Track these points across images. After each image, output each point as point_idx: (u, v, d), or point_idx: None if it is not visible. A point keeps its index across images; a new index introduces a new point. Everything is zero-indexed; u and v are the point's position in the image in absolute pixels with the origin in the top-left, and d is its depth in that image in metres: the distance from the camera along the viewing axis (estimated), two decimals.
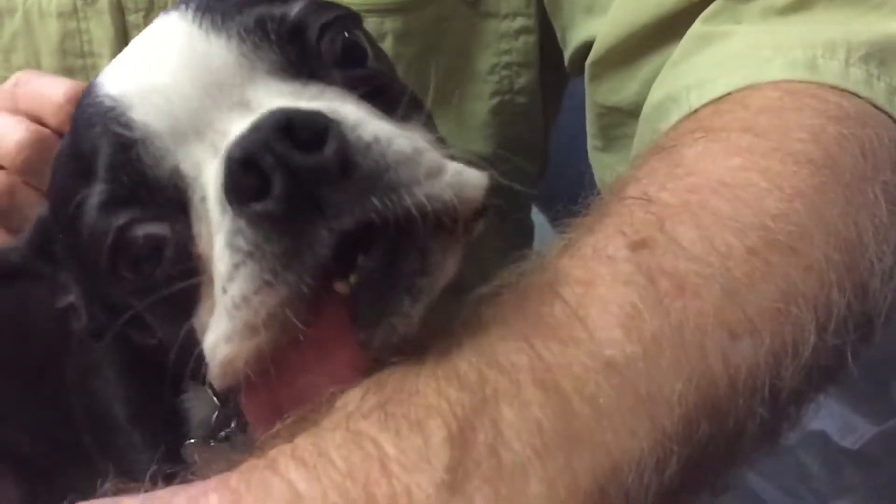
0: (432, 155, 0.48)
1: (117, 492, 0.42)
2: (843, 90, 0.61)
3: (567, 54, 0.89)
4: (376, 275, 0.46)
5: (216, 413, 0.68)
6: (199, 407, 0.71)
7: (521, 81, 0.99)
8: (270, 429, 0.43)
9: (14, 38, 0.97)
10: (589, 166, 0.90)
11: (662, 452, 0.42)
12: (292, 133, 0.43)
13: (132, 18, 0.92)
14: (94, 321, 0.63)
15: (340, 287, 0.46)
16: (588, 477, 0.40)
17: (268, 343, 0.46)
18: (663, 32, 0.76)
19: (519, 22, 0.96)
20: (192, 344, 0.51)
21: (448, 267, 0.48)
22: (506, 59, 0.98)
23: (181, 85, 0.51)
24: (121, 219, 0.50)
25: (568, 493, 0.40)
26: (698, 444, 0.44)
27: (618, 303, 0.46)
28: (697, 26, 0.71)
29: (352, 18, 0.57)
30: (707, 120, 0.61)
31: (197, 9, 0.54)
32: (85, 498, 0.42)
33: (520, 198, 1.11)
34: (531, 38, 0.96)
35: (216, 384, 0.50)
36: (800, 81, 0.61)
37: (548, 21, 0.93)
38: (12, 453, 0.91)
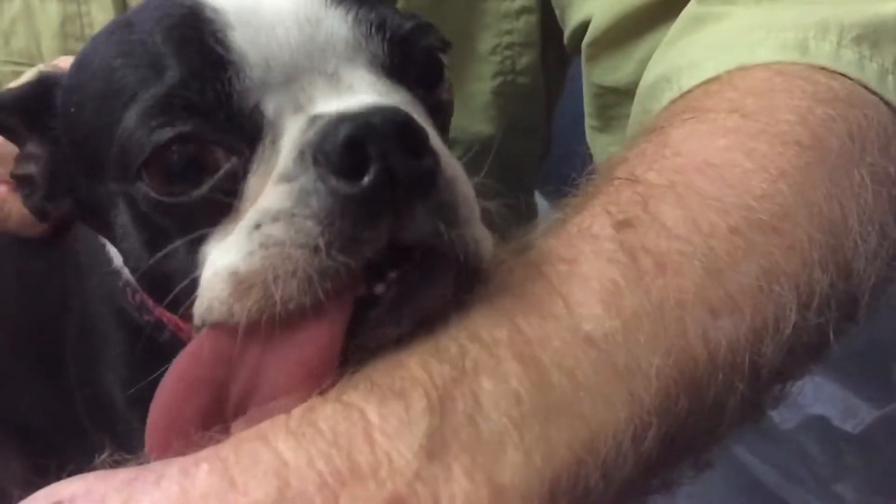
0: (477, 212, 0.50)
1: (113, 464, 0.43)
2: (833, 72, 0.61)
3: (566, 34, 0.90)
4: (394, 293, 0.47)
5: None
6: None
7: (523, 62, 1.00)
8: (165, 448, 0.44)
9: (14, 22, 0.97)
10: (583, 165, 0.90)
11: (640, 424, 0.43)
12: (402, 135, 0.45)
13: (134, 1, 0.93)
14: (49, 201, 0.62)
15: (377, 288, 0.47)
16: (564, 447, 0.41)
17: (263, 302, 0.46)
18: (659, 13, 0.76)
19: (520, 2, 0.96)
20: (180, 272, 0.51)
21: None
22: (507, 39, 0.98)
23: (289, 31, 0.51)
24: (185, 127, 0.49)
25: (544, 461, 0.41)
26: (677, 418, 0.45)
27: (599, 279, 0.47)
28: (692, 7, 0.71)
29: (446, 44, 0.58)
30: (696, 101, 0.61)
31: None
32: (84, 471, 0.43)
33: (523, 181, 1.11)
34: (532, 18, 0.97)
35: (196, 316, 0.49)
36: (791, 63, 0.62)
37: (548, 1, 0.93)
38: (16, 428, 0.93)
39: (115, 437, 0.72)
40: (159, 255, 0.51)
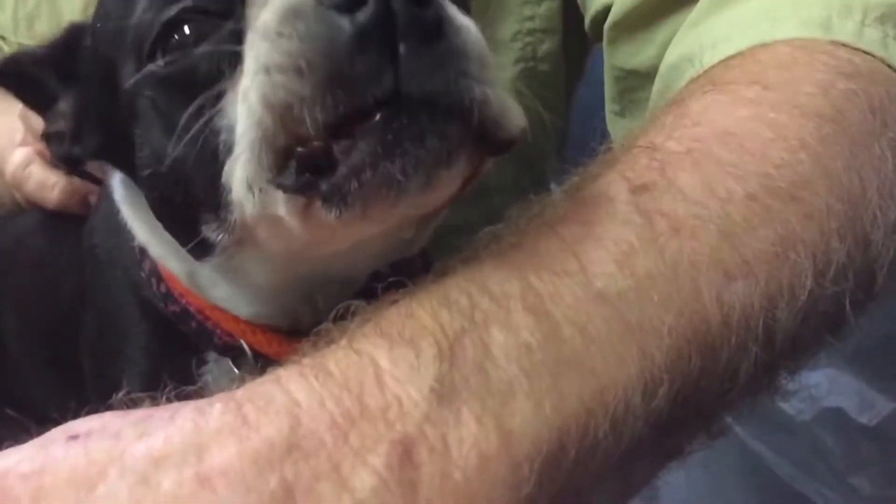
0: (495, 66, 0.48)
1: (130, 403, 0.44)
2: (856, 49, 0.61)
3: (587, 19, 0.90)
4: (402, 135, 0.45)
5: (237, 382, 0.69)
6: (221, 380, 0.72)
7: (545, 48, 1.00)
8: None
9: (38, 5, 0.99)
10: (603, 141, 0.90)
11: (651, 380, 0.43)
12: None
13: None
14: (79, 144, 0.63)
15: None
16: (574, 397, 0.42)
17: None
18: None
19: None
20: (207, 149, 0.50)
21: (454, 182, 0.48)
22: (528, 25, 0.98)
23: None
24: (188, 2, 0.51)
25: (554, 411, 0.41)
26: (689, 377, 0.45)
27: (613, 240, 0.47)
28: None
29: None
30: (717, 74, 0.62)
31: None
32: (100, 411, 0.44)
33: (541, 172, 1.11)
34: (554, 4, 0.97)
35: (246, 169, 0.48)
36: (813, 39, 0.62)
37: None
38: (34, 416, 0.93)
39: None
40: (184, 121, 0.50)
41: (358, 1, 0.43)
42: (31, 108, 0.68)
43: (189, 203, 0.54)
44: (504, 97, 0.48)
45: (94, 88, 0.61)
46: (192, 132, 0.50)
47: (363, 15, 0.43)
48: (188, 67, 0.51)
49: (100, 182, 0.79)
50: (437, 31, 0.45)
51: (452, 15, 0.46)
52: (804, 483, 1.23)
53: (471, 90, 0.45)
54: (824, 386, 1.19)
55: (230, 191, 0.50)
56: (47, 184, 0.85)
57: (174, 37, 0.51)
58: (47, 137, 0.65)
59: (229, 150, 0.49)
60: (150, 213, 0.62)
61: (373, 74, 0.43)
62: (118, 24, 0.55)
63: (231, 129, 0.49)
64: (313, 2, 0.45)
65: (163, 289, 0.69)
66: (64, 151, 0.65)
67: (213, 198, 0.52)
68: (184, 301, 0.68)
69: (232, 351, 0.67)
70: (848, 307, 0.52)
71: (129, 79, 0.55)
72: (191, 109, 0.50)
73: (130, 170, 0.62)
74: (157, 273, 0.69)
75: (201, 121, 0.49)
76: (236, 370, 0.68)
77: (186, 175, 0.53)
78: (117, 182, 0.69)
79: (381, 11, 0.43)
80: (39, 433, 0.42)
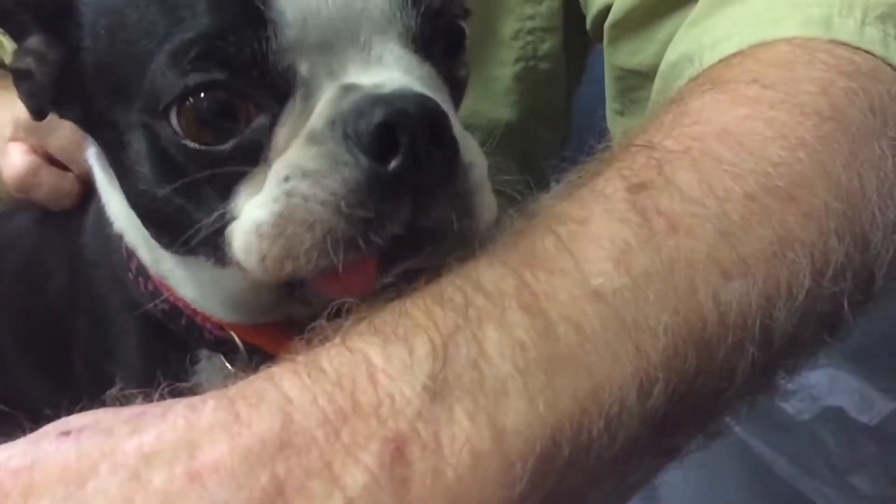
0: (488, 187, 0.54)
1: (123, 399, 0.44)
2: (857, 48, 0.61)
3: (589, 18, 0.90)
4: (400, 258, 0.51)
5: (231, 379, 0.68)
6: (214, 377, 0.71)
7: (545, 47, 0.99)
8: None
9: None
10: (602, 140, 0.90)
11: (646, 379, 0.43)
12: (430, 123, 0.48)
13: None
14: (57, 107, 0.62)
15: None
16: (569, 395, 0.41)
17: (285, 253, 0.50)
18: None
19: None
20: (202, 206, 0.53)
21: None
22: (529, 24, 0.98)
23: None
24: (220, 75, 0.50)
25: (547, 408, 0.41)
26: (685, 376, 0.45)
27: (610, 238, 0.47)
28: None
29: (467, 12, 0.60)
30: (717, 73, 0.61)
31: None
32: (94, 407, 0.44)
33: (539, 169, 1.11)
34: (555, 3, 0.97)
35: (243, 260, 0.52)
36: (814, 38, 0.61)
37: None
38: (26, 406, 0.93)
39: None
40: (179, 183, 0.52)
41: (391, 150, 0.48)
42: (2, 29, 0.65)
43: (175, 224, 0.55)
44: (485, 203, 0.53)
45: (92, 71, 0.58)
46: (200, 194, 0.53)
47: (396, 163, 0.48)
48: (208, 152, 0.52)
49: None
50: (452, 172, 0.50)
51: (464, 151, 0.51)
52: (804, 482, 1.23)
53: (471, 228, 0.51)
54: (824, 385, 1.19)
55: (230, 244, 0.53)
56: (62, 191, 0.83)
57: (196, 104, 0.51)
58: (14, 72, 0.62)
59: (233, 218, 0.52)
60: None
61: (401, 213, 0.49)
62: (134, 50, 0.54)
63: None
64: (348, 150, 0.49)
65: (150, 287, 0.69)
66: (36, 106, 0.63)
67: (207, 240, 0.53)
68: (172, 298, 0.67)
69: (224, 345, 0.67)
70: (846, 307, 0.51)
71: (138, 115, 0.54)
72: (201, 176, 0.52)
73: (113, 156, 0.61)
74: (144, 272, 0.69)
75: (212, 192, 0.53)
76: (229, 366, 0.68)
77: (179, 209, 0.54)
78: (93, 155, 0.68)
79: (410, 159, 0.48)
80: (32, 430, 0.42)
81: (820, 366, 1.15)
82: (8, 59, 0.64)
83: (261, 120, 0.51)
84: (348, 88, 0.51)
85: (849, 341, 0.56)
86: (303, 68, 0.51)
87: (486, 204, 0.53)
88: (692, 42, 0.69)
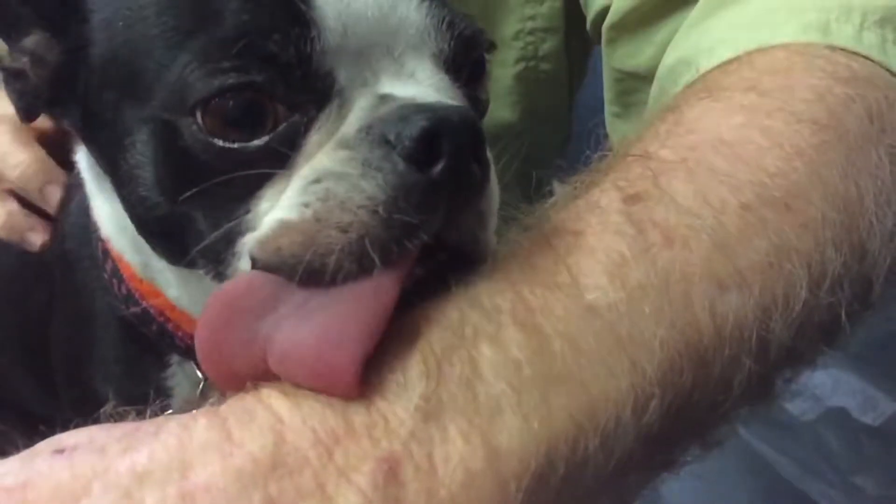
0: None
1: (116, 416, 0.44)
2: (855, 53, 0.61)
3: (589, 19, 0.89)
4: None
5: (201, 386, 0.69)
6: (184, 383, 0.72)
7: (546, 47, 0.99)
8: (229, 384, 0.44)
9: None
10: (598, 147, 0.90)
11: (642, 394, 0.43)
12: (471, 136, 0.47)
13: None
14: (52, 107, 0.61)
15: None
16: (563, 412, 0.41)
17: (311, 255, 0.46)
18: None
19: None
20: (218, 213, 0.51)
21: None
22: (530, 24, 0.98)
23: (367, 4, 0.52)
24: (258, 76, 0.49)
25: (542, 426, 0.41)
26: (682, 390, 0.45)
27: (605, 251, 0.47)
28: None
29: (493, 45, 0.60)
30: (713, 80, 0.61)
31: None
32: (87, 424, 0.44)
33: (541, 169, 1.11)
34: (556, 4, 0.96)
35: (256, 252, 0.50)
36: (811, 44, 0.61)
37: None
38: (16, 407, 0.94)
39: None
40: (195, 189, 0.50)
41: (431, 158, 0.46)
42: None
43: (176, 233, 0.54)
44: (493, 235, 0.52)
45: (97, 66, 0.57)
46: (215, 200, 0.51)
47: (438, 169, 0.46)
48: (235, 151, 0.50)
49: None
50: (483, 188, 0.49)
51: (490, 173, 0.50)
52: (808, 483, 1.22)
53: (485, 246, 0.50)
54: (828, 386, 1.18)
55: (238, 258, 0.51)
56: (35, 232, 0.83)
57: (226, 104, 0.49)
58: (6, 72, 0.61)
59: (249, 229, 0.50)
60: (119, 204, 0.60)
61: (433, 224, 0.47)
62: (157, 43, 0.52)
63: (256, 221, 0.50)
64: (385, 156, 0.47)
65: (124, 290, 0.69)
66: (27, 106, 0.61)
67: (211, 251, 0.52)
68: (144, 303, 0.67)
69: (195, 353, 0.67)
70: (844, 317, 0.51)
71: (155, 111, 0.52)
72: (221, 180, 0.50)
73: (110, 160, 0.59)
74: (118, 274, 0.68)
75: (232, 196, 0.51)
76: (200, 373, 0.68)
77: (183, 217, 0.53)
78: (84, 158, 0.67)
79: (451, 169, 0.46)
80: (26, 446, 0.42)
81: (823, 366, 1.15)
82: None
83: (295, 119, 0.50)
84: (384, 98, 0.50)
85: (852, 342, 0.56)
86: (341, 75, 0.50)
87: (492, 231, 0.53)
88: (689, 46, 0.69)
